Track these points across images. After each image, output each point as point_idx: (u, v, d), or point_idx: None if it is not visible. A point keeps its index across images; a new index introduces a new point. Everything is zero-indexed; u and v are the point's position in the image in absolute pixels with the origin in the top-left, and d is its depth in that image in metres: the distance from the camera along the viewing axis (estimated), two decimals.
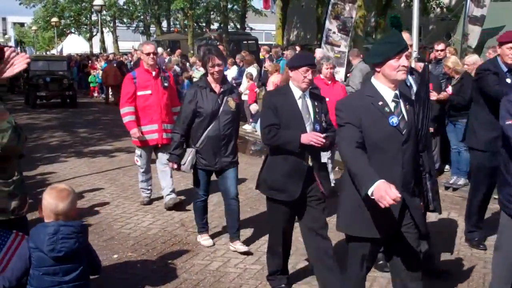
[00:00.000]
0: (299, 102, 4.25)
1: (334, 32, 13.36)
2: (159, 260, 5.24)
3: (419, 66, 8.30)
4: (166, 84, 6.82)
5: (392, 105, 3.23)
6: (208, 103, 5.28)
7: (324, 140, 4.05)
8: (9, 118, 3.24)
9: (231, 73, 14.24)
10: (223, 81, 5.49)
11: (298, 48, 15.09)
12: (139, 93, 6.70)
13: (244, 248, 5.37)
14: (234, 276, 4.87)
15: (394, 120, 3.21)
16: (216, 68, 5.30)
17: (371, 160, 3.14)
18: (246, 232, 5.97)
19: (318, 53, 11.58)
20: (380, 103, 3.22)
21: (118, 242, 5.72)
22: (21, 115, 16.53)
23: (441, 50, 9.08)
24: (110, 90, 21.56)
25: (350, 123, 3.20)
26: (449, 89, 7.59)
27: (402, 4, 24.14)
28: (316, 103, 4.30)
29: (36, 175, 8.73)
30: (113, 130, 14.17)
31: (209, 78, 5.38)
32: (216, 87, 5.37)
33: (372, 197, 2.96)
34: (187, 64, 17.51)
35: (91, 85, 24.20)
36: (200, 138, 5.31)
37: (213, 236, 5.85)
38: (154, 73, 6.76)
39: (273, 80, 12.06)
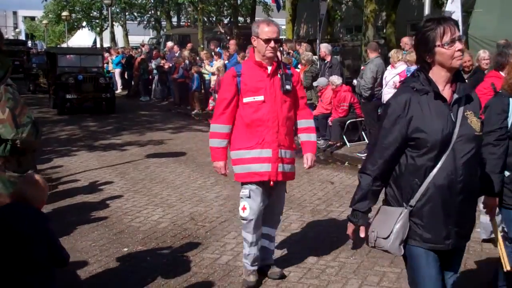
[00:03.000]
0: None
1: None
2: (169, 254, 5.26)
3: None
4: (288, 87, 4.36)
5: None
6: (433, 122, 2.73)
7: None
8: (28, 113, 3.27)
9: None
10: (457, 76, 2.88)
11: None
12: (245, 100, 4.35)
13: None
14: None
15: None
16: (458, 46, 2.72)
17: None
18: None
19: (323, 48, 11.53)
20: None
21: (128, 236, 5.75)
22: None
23: None
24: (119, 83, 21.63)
25: None
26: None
27: None
28: None
29: (46, 169, 8.78)
30: (123, 123, 14.25)
31: (434, 73, 2.80)
32: (447, 91, 2.81)
33: None
34: (197, 58, 17.54)
35: None
36: (418, 189, 2.76)
37: (222, 230, 5.88)
38: (269, 68, 4.37)
39: None
